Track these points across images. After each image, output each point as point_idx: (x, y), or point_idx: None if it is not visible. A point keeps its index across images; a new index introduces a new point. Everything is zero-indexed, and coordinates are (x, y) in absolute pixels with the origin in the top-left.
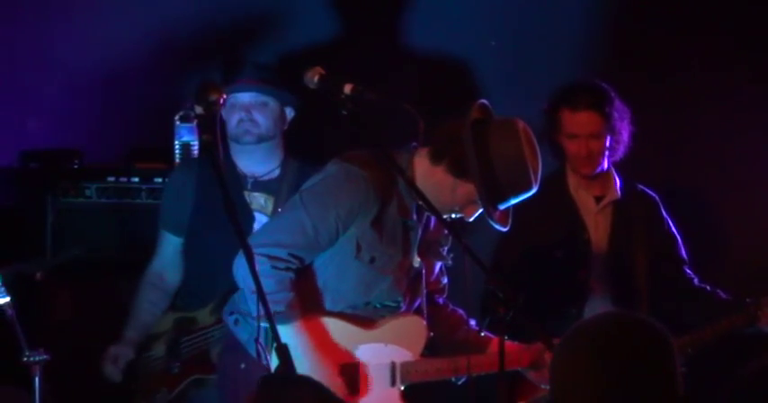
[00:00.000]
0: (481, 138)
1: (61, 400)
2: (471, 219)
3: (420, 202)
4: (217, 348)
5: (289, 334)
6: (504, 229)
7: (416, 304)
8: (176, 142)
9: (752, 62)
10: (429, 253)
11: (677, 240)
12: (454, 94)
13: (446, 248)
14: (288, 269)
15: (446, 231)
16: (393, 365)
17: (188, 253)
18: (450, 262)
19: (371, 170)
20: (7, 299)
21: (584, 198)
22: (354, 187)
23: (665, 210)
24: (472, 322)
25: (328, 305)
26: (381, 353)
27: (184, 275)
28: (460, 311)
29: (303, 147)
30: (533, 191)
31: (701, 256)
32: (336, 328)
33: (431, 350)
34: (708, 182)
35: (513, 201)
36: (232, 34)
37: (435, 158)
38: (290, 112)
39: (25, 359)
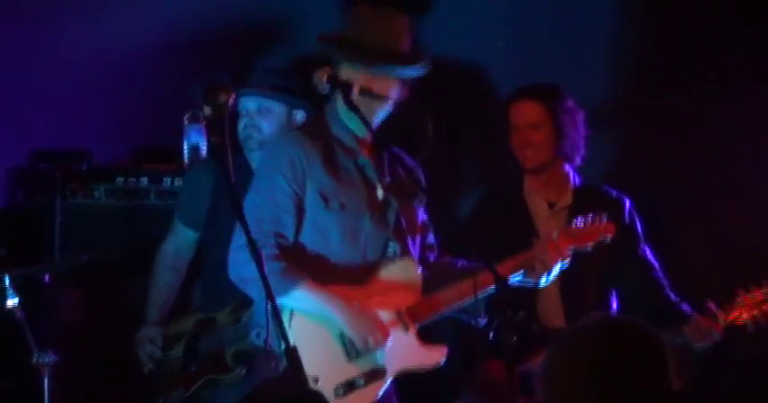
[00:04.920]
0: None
1: (70, 401)
2: (391, 95)
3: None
4: (232, 348)
5: (299, 296)
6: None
7: (410, 246)
8: (185, 143)
9: (753, 62)
10: (403, 193)
11: (638, 241)
12: (463, 93)
13: (421, 189)
14: (270, 246)
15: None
16: (400, 313)
17: (207, 255)
18: (424, 199)
19: (301, 128)
20: (16, 300)
21: (537, 203)
22: (285, 146)
23: (636, 212)
24: (462, 261)
25: (328, 274)
26: (384, 305)
27: (204, 277)
28: (447, 258)
29: None
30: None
31: (701, 258)
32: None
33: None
34: (707, 184)
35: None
36: (242, 35)
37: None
38: (300, 116)
39: (35, 360)
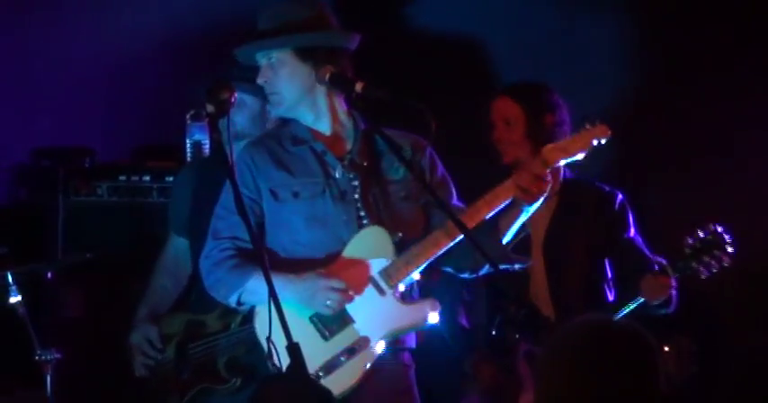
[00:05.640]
0: None
1: (73, 399)
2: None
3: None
4: (224, 358)
5: (254, 288)
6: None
7: (389, 217)
8: (187, 141)
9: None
10: (380, 170)
11: (627, 230)
12: (465, 89)
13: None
14: (222, 250)
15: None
16: (372, 278)
17: (193, 256)
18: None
19: (258, 136)
20: (19, 298)
21: None
22: (238, 159)
23: (629, 206)
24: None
25: (302, 264)
26: (354, 274)
27: (195, 278)
28: None
29: None
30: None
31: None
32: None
33: None
34: (706, 179)
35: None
36: (245, 32)
37: None
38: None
39: (37, 358)
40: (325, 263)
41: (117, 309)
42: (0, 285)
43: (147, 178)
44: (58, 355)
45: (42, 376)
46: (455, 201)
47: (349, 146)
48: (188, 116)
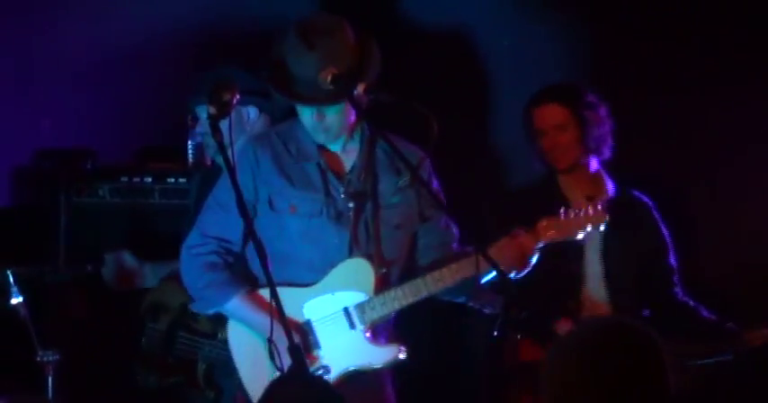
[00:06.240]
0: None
1: (73, 400)
2: (313, 122)
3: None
4: (204, 364)
5: (231, 310)
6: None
7: (379, 246)
8: (189, 142)
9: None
10: (375, 195)
11: (668, 248)
12: (465, 92)
13: (401, 187)
14: (209, 252)
15: (405, 175)
16: (346, 310)
17: None
18: (405, 199)
19: (266, 131)
20: (20, 299)
21: (576, 196)
22: (240, 156)
23: (659, 215)
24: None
25: (287, 274)
26: (330, 303)
27: None
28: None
29: None
30: (305, 53)
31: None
32: (280, 294)
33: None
34: (719, 184)
35: (295, 68)
36: (248, 34)
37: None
38: (252, 112)
39: (38, 359)
40: (311, 275)
41: (118, 310)
42: (1, 286)
43: (149, 179)
44: (58, 356)
45: (44, 377)
46: (445, 219)
47: (352, 162)
48: (190, 118)
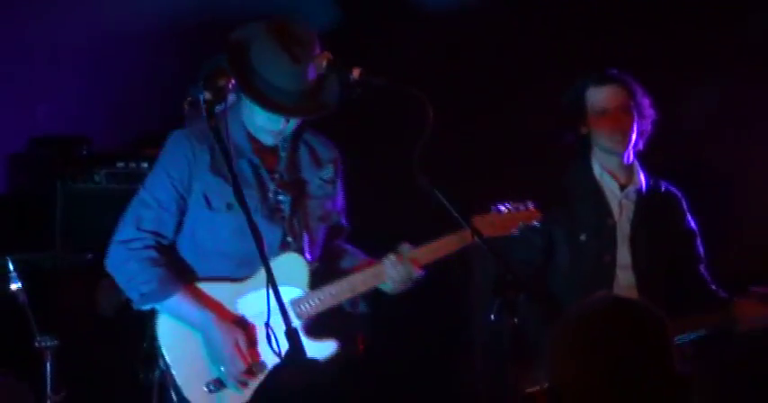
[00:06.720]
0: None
1: (71, 386)
2: (282, 127)
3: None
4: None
5: (171, 307)
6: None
7: (307, 239)
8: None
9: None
10: (302, 187)
11: (696, 238)
12: (463, 79)
13: (327, 181)
14: (146, 247)
15: (327, 167)
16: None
17: None
18: (332, 189)
19: (198, 125)
20: (19, 285)
21: (609, 184)
22: (176, 147)
23: (688, 206)
24: (361, 254)
25: (218, 270)
26: (265, 298)
27: None
28: (347, 246)
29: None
30: (287, 64)
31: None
32: (213, 290)
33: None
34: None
35: (277, 83)
36: (244, 20)
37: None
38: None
39: (36, 344)
40: (242, 271)
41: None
42: (0, 272)
43: (145, 165)
44: (57, 342)
45: (42, 362)
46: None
47: (282, 154)
48: (185, 103)
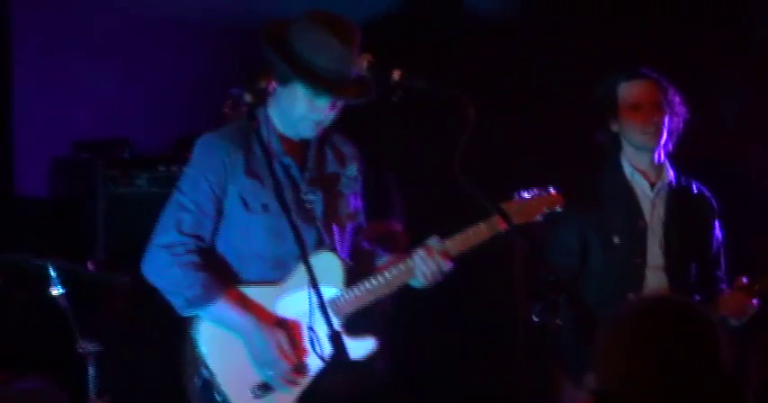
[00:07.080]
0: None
1: (114, 391)
2: (324, 117)
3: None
4: None
5: (214, 312)
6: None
7: (338, 237)
8: None
9: None
10: (331, 185)
11: (719, 242)
12: (504, 80)
13: (352, 178)
14: (188, 251)
15: (350, 165)
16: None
17: None
18: (356, 187)
19: (227, 128)
20: (61, 290)
21: (640, 183)
22: (210, 150)
23: (718, 207)
24: (382, 251)
25: (253, 272)
26: (303, 300)
27: None
28: (366, 245)
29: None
30: (336, 46)
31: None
32: (253, 293)
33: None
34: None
35: (324, 65)
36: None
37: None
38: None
39: (79, 350)
40: (278, 273)
41: (158, 301)
42: (42, 278)
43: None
44: (99, 347)
45: (84, 368)
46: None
47: (310, 152)
48: (225, 105)
